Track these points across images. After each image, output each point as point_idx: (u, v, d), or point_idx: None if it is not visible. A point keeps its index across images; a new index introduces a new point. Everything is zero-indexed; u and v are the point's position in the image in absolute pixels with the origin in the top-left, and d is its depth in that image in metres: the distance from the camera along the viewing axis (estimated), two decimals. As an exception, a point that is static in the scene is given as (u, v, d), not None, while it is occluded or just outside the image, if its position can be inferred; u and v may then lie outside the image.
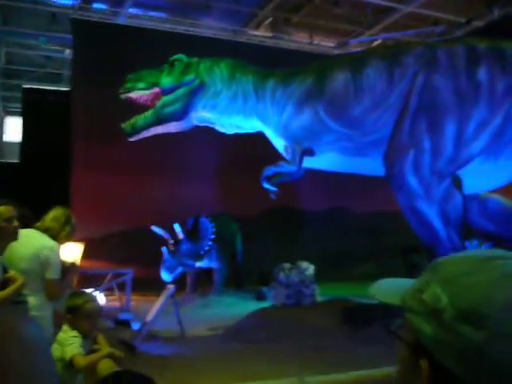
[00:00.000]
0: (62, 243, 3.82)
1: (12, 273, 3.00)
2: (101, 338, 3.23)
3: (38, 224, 3.76)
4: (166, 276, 9.01)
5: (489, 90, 6.15)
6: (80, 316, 3.05)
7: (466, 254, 0.78)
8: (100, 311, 3.24)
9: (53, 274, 3.57)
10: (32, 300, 3.29)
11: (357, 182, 9.84)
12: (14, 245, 3.26)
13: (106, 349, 3.08)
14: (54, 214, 3.81)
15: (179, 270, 9.17)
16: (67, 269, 3.91)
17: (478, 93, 6.17)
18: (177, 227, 9.19)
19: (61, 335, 3.06)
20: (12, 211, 3.13)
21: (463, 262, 0.74)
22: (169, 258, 9.03)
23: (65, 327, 3.09)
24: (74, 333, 3.03)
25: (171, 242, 9.19)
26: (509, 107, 6.15)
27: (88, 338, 3.09)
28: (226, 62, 7.48)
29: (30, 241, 3.57)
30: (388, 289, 0.85)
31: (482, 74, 6.18)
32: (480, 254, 0.75)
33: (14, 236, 3.16)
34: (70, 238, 3.97)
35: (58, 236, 3.75)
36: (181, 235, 9.21)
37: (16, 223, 3.13)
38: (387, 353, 4.75)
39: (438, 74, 6.29)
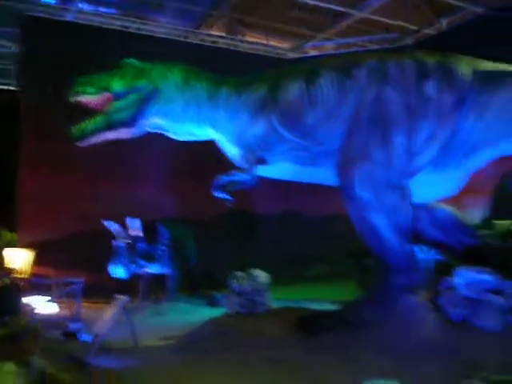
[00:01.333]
0: None
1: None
2: None
3: None
4: (120, 271, 8.87)
5: (437, 104, 6.32)
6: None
7: None
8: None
9: None
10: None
11: (310, 185, 9.93)
12: None
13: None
14: None
15: (133, 267, 9.04)
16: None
17: (427, 106, 6.33)
18: (136, 223, 9.06)
19: None
20: None
21: None
22: (124, 254, 8.90)
23: None
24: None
25: (126, 239, 9.06)
26: (456, 121, 6.34)
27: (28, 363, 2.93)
28: (180, 68, 7.36)
29: None
30: None
31: (430, 88, 6.35)
32: None
33: None
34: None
35: None
36: (140, 232, 9.09)
37: None
38: (339, 362, 4.82)
39: (389, 87, 6.41)
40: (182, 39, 13.44)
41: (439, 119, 6.31)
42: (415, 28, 12.68)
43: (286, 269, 11.12)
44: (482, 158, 6.77)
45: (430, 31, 12.82)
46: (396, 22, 12.79)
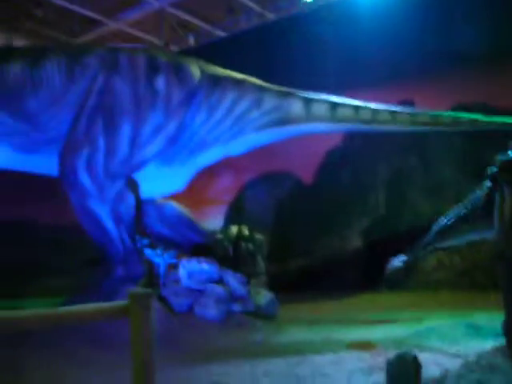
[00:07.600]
0: None
1: None
2: None
3: None
4: None
5: (165, 98, 6.45)
6: None
7: None
8: None
9: None
10: None
11: (45, 191, 9.26)
12: None
13: None
14: None
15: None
16: None
17: (156, 100, 6.41)
18: None
19: None
20: None
21: None
22: None
23: None
24: None
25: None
26: (183, 116, 6.54)
27: None
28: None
29: None
30: None
31: (159, 82, 6.45)
32: None
33: None
34: None
35: None
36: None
37: None
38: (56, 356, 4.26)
39: (118, 77, 6.34)
40: None
41: (167, 113, 6.44)
42: (163, 43, 13.07)
43: (18, 280, 10.11)
44: (210, 156, 7.09)
45: (176, 47, 13.38)
46: (146, 36, 13.03)
